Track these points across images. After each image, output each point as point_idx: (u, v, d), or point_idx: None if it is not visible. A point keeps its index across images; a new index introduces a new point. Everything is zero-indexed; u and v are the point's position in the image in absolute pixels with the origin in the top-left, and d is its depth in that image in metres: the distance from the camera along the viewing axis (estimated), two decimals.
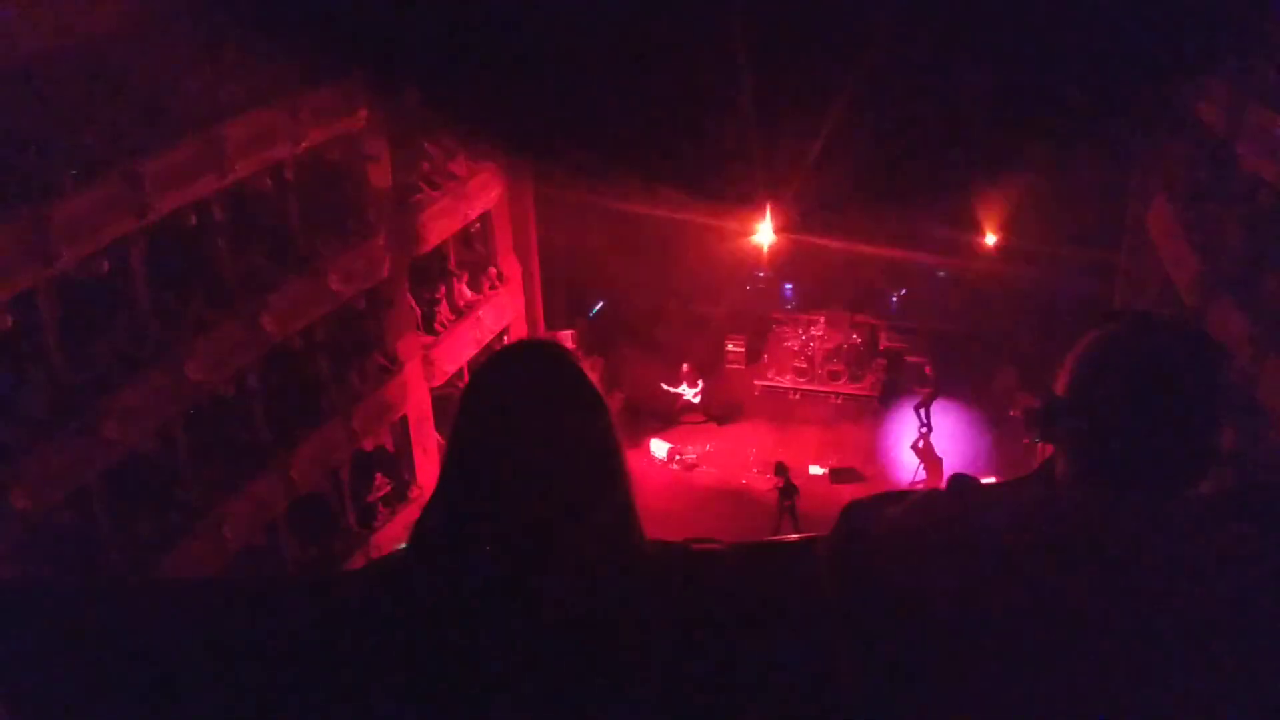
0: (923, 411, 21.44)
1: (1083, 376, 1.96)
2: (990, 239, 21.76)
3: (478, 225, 21.09)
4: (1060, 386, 1.98)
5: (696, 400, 22.44)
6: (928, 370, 21.68)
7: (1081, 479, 1.95)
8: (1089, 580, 1.80)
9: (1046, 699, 1.81)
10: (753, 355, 24.46)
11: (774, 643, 2.14)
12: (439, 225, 19.16)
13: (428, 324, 19.38)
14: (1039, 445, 19.28)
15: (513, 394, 1.93)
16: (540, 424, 1.89)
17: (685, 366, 22.41)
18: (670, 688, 1.88)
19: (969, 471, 2.14)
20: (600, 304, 24.51)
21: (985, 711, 1.87)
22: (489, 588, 1.85)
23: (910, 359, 23.83)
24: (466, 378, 19.74)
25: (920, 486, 18.63)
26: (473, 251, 21.36)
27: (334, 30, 14.87)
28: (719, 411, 22.89)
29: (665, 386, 22.34)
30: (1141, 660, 1.77)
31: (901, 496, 2.14)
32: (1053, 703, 1.81)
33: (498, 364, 2.01)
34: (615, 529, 1.91)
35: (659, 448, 21.44)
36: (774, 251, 23.40)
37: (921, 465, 20.86)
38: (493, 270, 21.20)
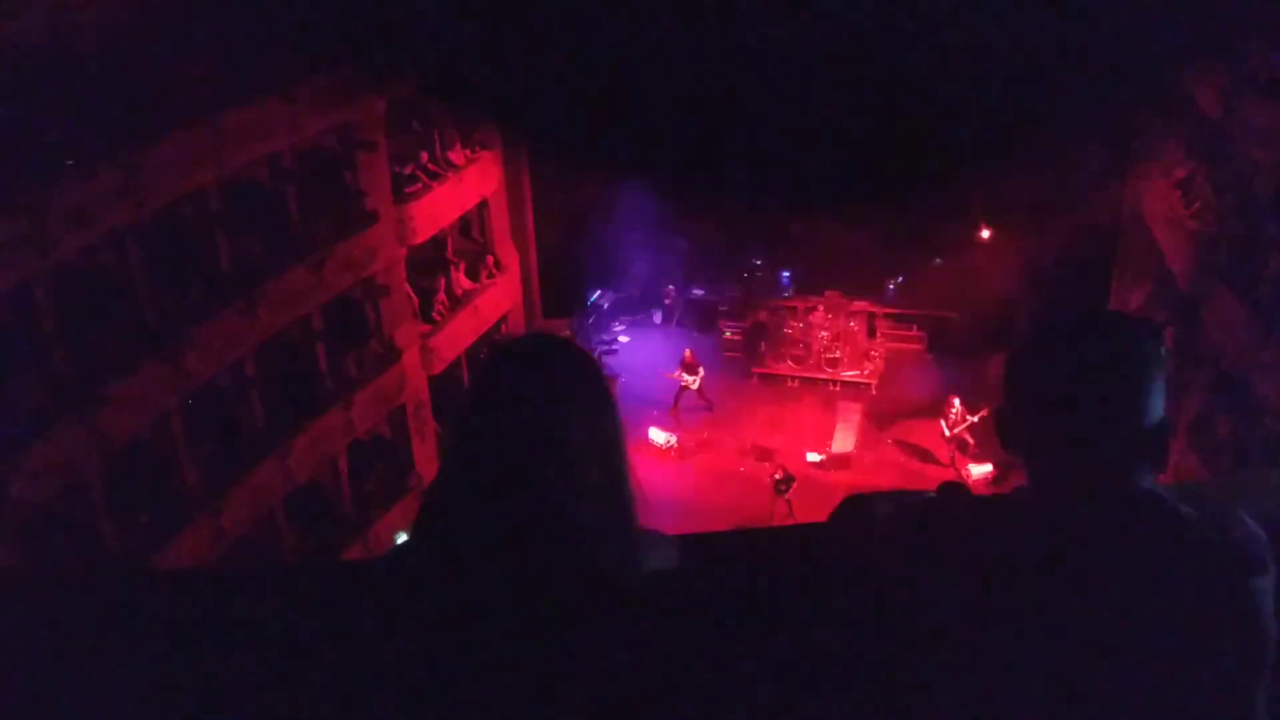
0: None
1: (1017, 384, 1.99)
2: (985, 232, 21.67)
3: (475, 214, 21.07)
4: (1003, 398, 1.99)
5: (696, 386, 22.46)
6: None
7: (1039, 481, 1.97)
8: (1062, 583, 1.83)
9: (1024, 699, 1.85)
10: (750, 342, 24.46)
11: (771, 629, 2.16)
12: (436, 214, 19.15)
13: (425, 313, 19.37)
14: None
15: (522, 385, 1.94)
16: (547, 415, 1.91)
17: (686, 353, 22.41)
18: (669, 674, 1.90)
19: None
20: (598, 292, 24.50)
21: (965, 708, 1.90)
22: (490, 573, 1.87)
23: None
24: (465, 368, 19.81)
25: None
26: (470, 240, 21.35)
27: (331, 19, 14.84)
28: (717, 399, 22.90)
29: (665, 373, 22.34)
30: (1119, 658, 1.80)
31: (898, 496, 2.17)
32: (1034, 702, 1.85)
33: (508, 354, 2.03)
34: (616, 520, 1.93)
35: (657, 435, 21.45)
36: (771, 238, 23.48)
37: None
38: (490, 259, 21.18)
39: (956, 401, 20.65)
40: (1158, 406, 1.87)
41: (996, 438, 2.04)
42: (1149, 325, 1.98)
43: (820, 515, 2.32)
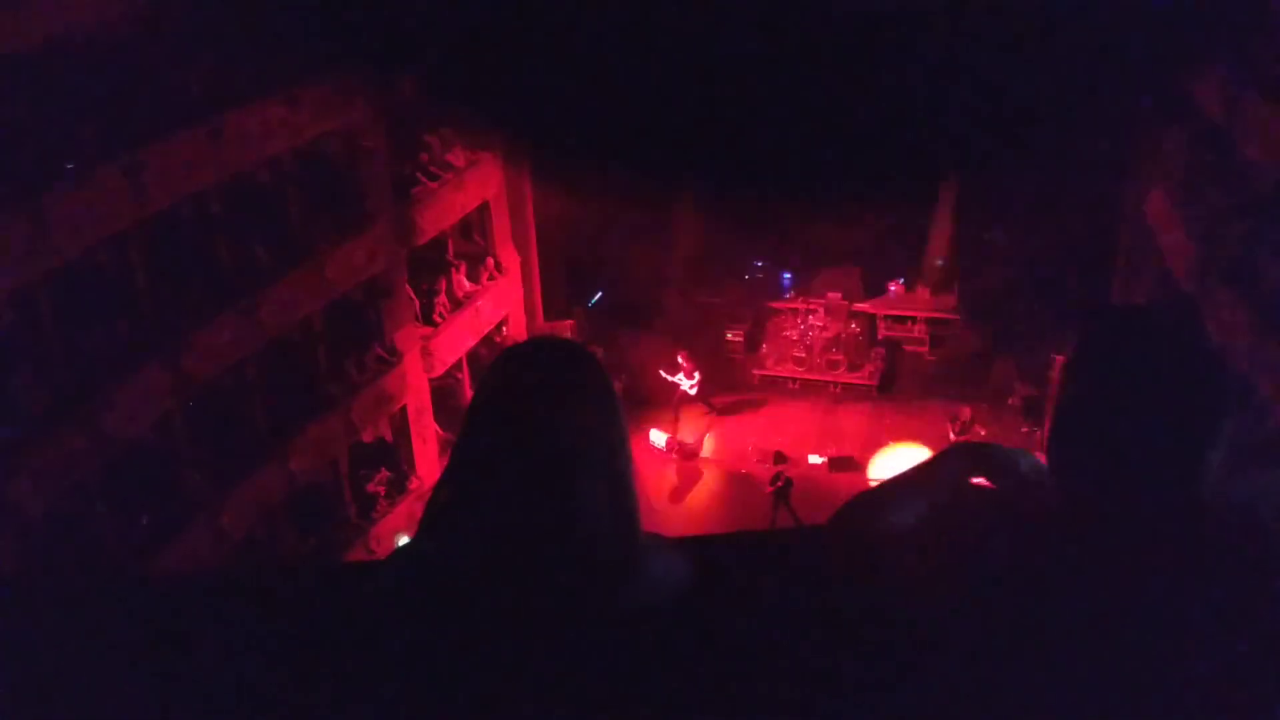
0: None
1: (1071, 377, 1.94)
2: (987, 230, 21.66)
3: (476, 216, 21.06)
4: (1053, 387, 1.95)
5: (694, 392, 22.38)
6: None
7: (1068, 480, 1.93)
8: (1109, 593, 1.81)
9: (1024, 703, 1.83)
10: (752, 344, 24.44)
11: (775, 633, 2.15)
12: (437, 216, 19.14)
13: (426, 315, 19.36)
14: (1037, 433, 19.24)
15: (528, 389, 1.94)
16: (553, 420, 1.90)
17: (680, 357, 22.33)
18: (673, 680, 1.90)
19: None
20: (599, 294, 24.48)
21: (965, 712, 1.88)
22: (494, 578, 1.87)
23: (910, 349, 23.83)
24: (466, 370, 19.79)
25: None
26: (471, 242, 21.34)
27: (332, 22, 14.82)
28: (717, 404, 22.85)
29: (664, 374, 22.28)
30: (1121, 668, 1.79)
31: (899, 494, 2.13)
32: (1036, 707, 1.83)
33: (514, 358, 2.02)
34: (620, 525, 1.93)
35: (658, 437, 21.43)
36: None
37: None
38: (491, 261, 21.17)
39: (968, 411, 20.61)
40: (1207, 426, 1.85)
41: (1048, 440, 1.98)
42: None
43: (823, 518, 2.29)
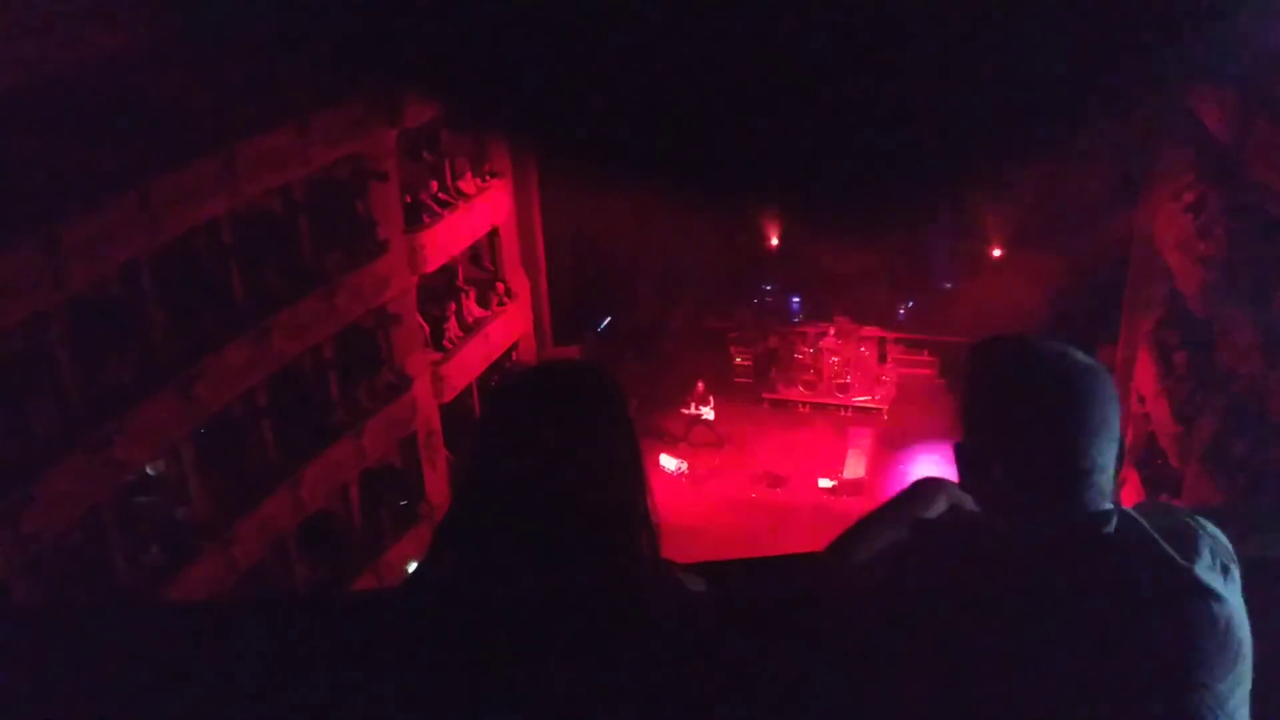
0: None
1: (964, 405, 1.95)
2: (996, 251, 21.68)
3: (486, 242, 21.13)
4: (966, 433, 1.95)
5: (710, 417, 22.32)
6: None
7: (984, 504, 1.96)
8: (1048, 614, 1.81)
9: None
10: (761, 368, 24.42)
11: (784, 657, 2.15)
12: (447, 243, 19.21)
13: (436, 341, 19.39)
14: None
15: (535, 413, 1.93)
16: (562, 444, 1.90)
17: (700, 386, 22.32)
18: (683, 704, 1.89)
19: None
20: (608, 319, 24.51)
21: None
22: (507, 603, 1.86)
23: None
24: (476, 396, 19.78)
25: None
26: (481, 268, 21.40)
27: (342, 50, 14.92)
28: (728, 426, 22.77)
29: (685, 411, 22.22)
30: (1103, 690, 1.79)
31: (880, 525, 2.17)
32: None
33: (521, 382, 2.01)
34: (631, 549, 1.93)
35: (668, 461, 21.41)
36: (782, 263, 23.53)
37: None
38: (501, 286, 21.22)
39: None
40: (1117, 426, 1.86)
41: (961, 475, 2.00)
42: (1077, 347, 1.95)
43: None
